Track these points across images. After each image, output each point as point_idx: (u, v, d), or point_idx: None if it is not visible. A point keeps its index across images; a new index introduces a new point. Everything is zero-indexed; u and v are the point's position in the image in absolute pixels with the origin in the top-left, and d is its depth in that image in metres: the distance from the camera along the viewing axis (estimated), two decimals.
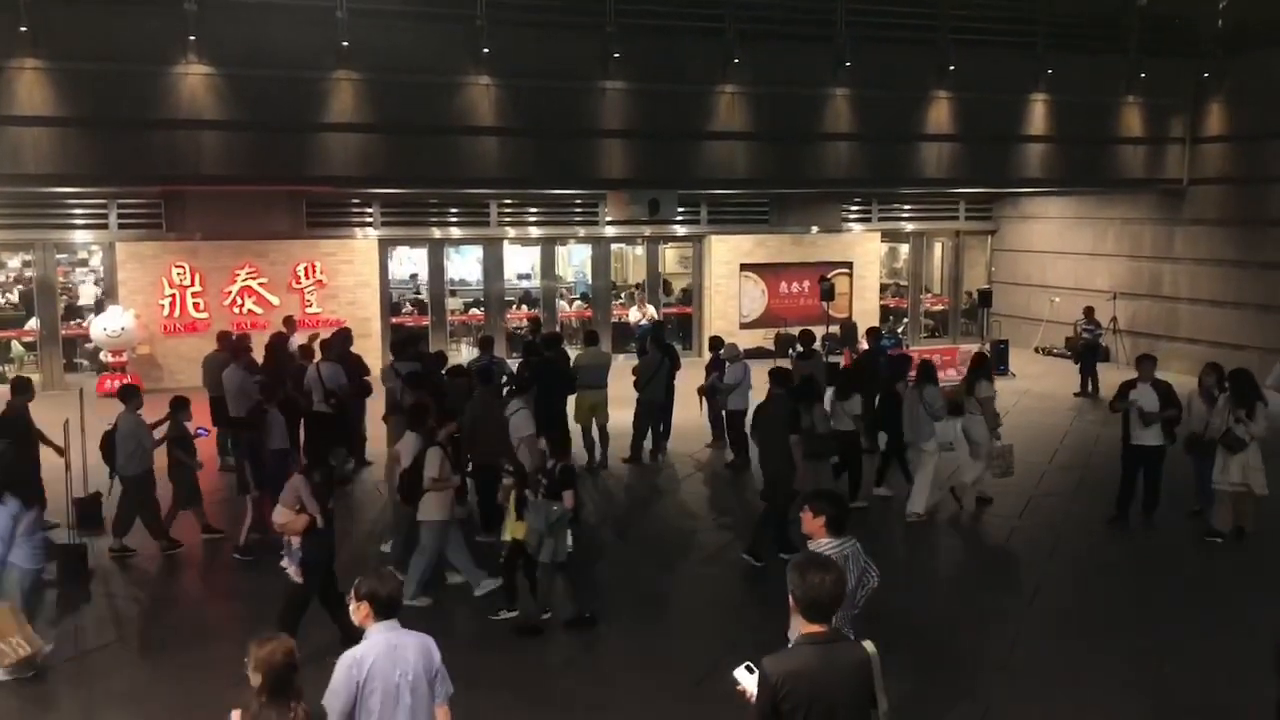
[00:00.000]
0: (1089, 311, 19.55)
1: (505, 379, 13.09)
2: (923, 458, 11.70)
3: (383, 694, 4.80)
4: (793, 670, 4.21)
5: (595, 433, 13.88)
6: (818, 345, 15.50)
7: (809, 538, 5.80)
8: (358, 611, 4.98)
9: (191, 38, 14.93)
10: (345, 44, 15.50)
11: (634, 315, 21.26)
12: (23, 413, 10.88)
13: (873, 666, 4.31)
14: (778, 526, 10.34)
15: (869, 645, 4.35)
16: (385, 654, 4.86)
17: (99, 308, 19.40)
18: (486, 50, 16.29)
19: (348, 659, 4.85)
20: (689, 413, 14.74)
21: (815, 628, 4.29)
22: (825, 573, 4.28)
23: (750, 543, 10.47)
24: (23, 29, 14.18)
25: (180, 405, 11.03)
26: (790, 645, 4.33)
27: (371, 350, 18.55)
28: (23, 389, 11.05)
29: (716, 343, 15.04)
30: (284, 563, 8.23)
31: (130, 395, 10.96)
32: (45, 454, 11.02)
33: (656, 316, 21.43)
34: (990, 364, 13.73)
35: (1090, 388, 18.69)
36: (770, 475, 10.57)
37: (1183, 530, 11.36)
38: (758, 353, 20.94)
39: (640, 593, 9.84)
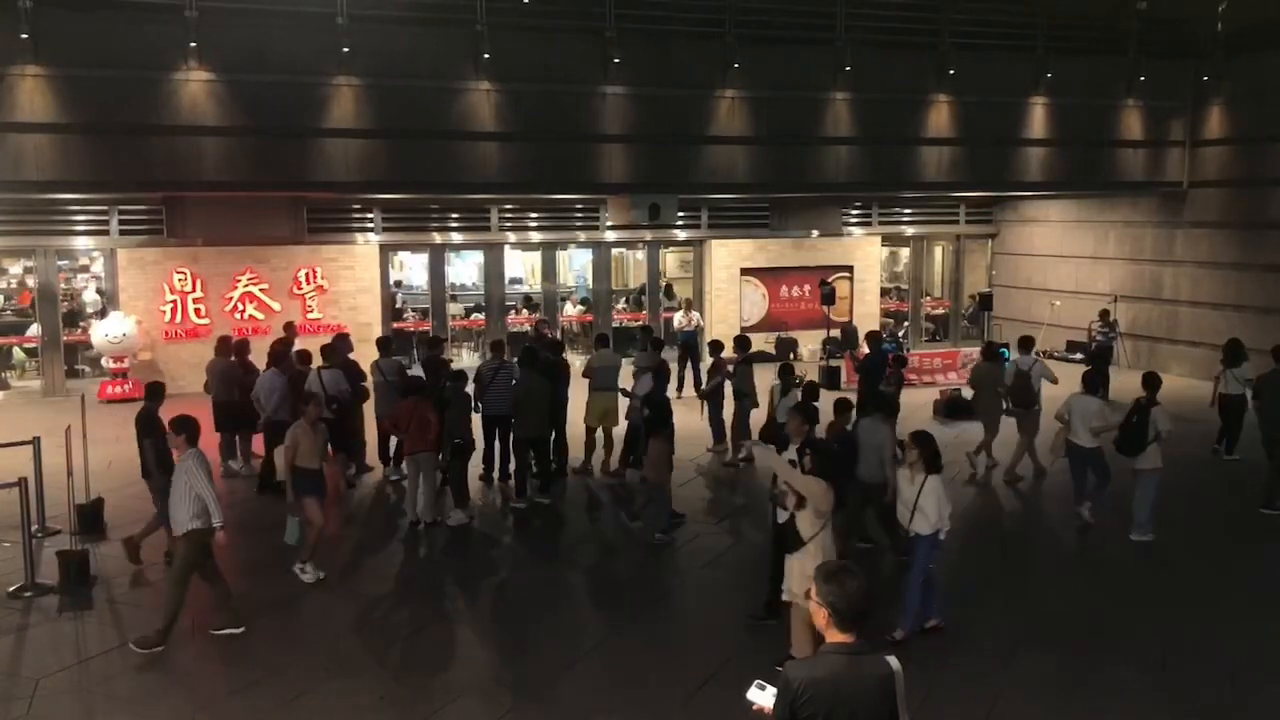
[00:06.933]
0: (1104, 314, 19.56)
1: (514, 382, 13.13)
2: None
3: None
4: (817, 678, 4.16)
5: (600, 435, 13.88)
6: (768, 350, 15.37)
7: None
8: None
9: (192, 44, 14.97)
10: (346, 49, 15.53)
11: (679, 320, 21.16)
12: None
13: (896, 682, 4.28)
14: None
15: (893, 660, 4.31)
16: None
17: (80, 315, 19.46)
18: (487, 55, 16.33)
19: None
20: (690, 416, 14.75)
21: (844, 637, 4.22)
22: (858, 581, 4.24)
23: (1266, 496, 12.11)
24: (24, 36, 14.22)
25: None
26: (817, 653, 4.29)
27: (373, 356, 18.56)
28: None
29: (717, 346, 15.03)
30: None
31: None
32: (47, 456, 11.01)
33: (702, 323, 21.42)
34: None
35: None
36: (1270, 435, 12.47)
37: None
38: (759, 356, 20.93)
39: (642, 596, 9.84)
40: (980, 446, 13.94)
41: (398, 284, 22.52)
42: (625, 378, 14.07)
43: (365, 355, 14.78)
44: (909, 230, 24.78)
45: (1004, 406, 13.80)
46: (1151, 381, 11.39)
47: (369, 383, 13.69)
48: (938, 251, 25.84)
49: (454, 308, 22.34)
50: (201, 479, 8.42)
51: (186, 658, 8.44)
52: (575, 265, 24.37)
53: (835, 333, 20.65)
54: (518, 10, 16.97)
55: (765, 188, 19.95)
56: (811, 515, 7.56)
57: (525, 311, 22.24)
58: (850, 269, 23.65)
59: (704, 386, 15.32)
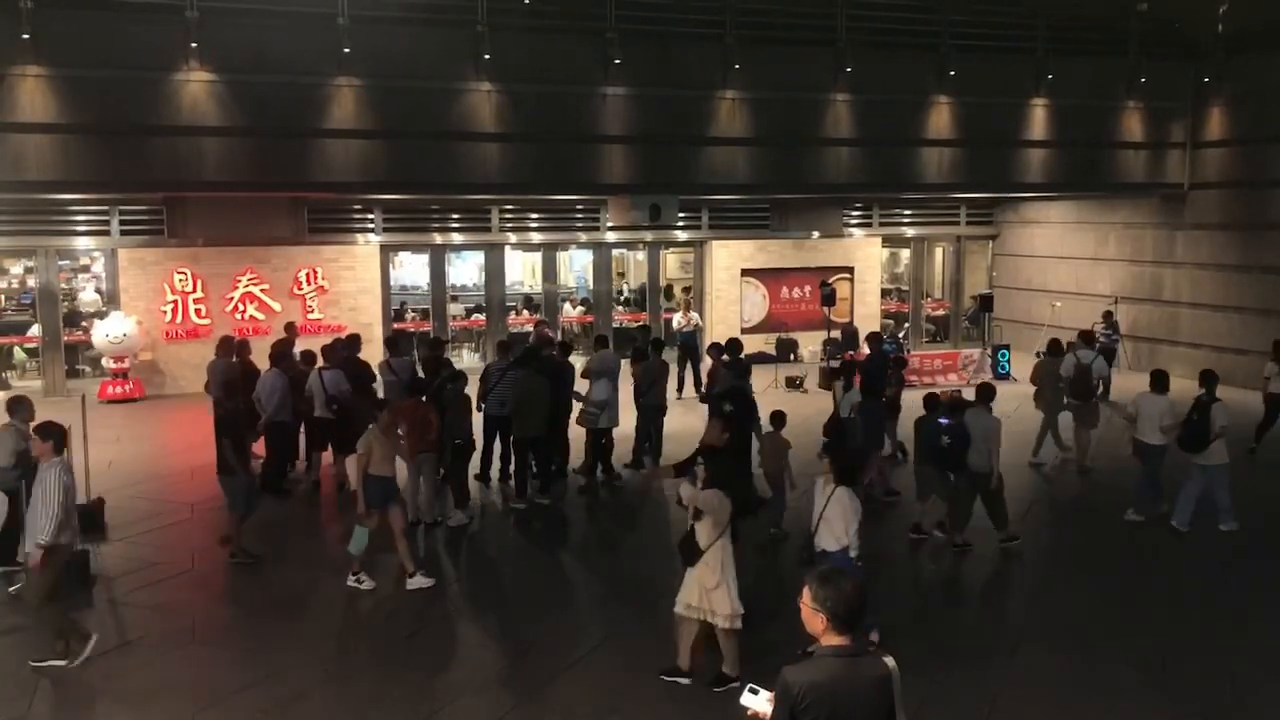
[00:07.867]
0: (1107, 315, 19.54)
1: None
2: None
3: None
4: (815, 681, 4.15)
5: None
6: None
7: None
8: None
9: (193, 44, 14.98)
10: (346, 50, 15.53)
11: (678, 320, 21.07)
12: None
13: (894, 682, 4.27)
14: None
15: (890, 661, 4.30)
16: None
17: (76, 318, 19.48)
18: (487, 56, 16.34)
19: None
20: (690, 418, 14.74)
21: (841, 640, 4.22)
22: (853, 583, 4.25)
23: None
24: (25, 36, 14.23)
25: None
26: (813, 655, 4.29)
27: (374, 357, 18.54)
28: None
29: (717, 349, 14.97)
30: None
31: None
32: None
33: (700, 324, 21.37)
34: None
35: (1103, 391, 18.66)
36: None
37: None
38: (759, 358, 20.93)
39: (643, 596, 9.83)
40: (1040, 437, 14.43)
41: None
42: (625, 378, 14.06)
43: (370, 356, 14.77)
44: (909, 231, 24.76)
45: (1063, 400, 14.20)
46: (1209, 378, 11.51)
47: (378, 383, 13.66)
48: (938, 253, 25.82)
49: (454, 308, 22.34)
50: (51, 495, 7.86)
51: (187, 657, 8.45)
52: (576, 266, 24.37)
53: (836, 334, 20.63)
54: (518, 11, 16.99)
55: (766, 188, 19.95)
56: (709, 526, 7.58)
57: (526, 312, 22.25)
58: (851, 270, 23.64)
59: (704, 389, 15.28)
